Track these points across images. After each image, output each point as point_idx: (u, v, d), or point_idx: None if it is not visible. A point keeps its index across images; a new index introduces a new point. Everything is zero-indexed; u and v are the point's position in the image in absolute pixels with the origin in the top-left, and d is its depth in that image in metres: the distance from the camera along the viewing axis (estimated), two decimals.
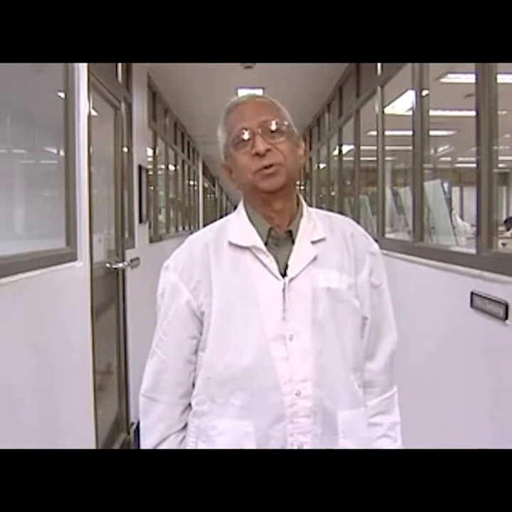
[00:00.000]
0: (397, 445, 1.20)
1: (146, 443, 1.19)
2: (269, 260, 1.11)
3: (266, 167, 1.08)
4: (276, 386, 1.08)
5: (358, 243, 1.18)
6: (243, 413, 1.10)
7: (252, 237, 1.13)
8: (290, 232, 1.15)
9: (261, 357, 1.08)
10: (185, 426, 1.19)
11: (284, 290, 1.10)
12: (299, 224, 1.15)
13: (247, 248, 1.12)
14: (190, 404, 1.18)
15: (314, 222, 1.17)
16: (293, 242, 1.14)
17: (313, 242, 1.14)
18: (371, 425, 1.18)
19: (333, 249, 1.15)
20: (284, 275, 1.11)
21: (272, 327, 1.09)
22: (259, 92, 4.67)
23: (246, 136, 1.09)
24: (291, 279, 1.10)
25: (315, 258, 1.13)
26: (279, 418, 1.08)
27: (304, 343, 1.09)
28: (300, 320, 1.10)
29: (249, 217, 1.16)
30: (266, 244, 1.13)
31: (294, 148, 1.14)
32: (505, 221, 7.09)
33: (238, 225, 1.16)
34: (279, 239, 1.14)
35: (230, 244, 1.14)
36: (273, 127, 1.10)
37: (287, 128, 1.12)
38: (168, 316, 1.16)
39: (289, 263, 1.12)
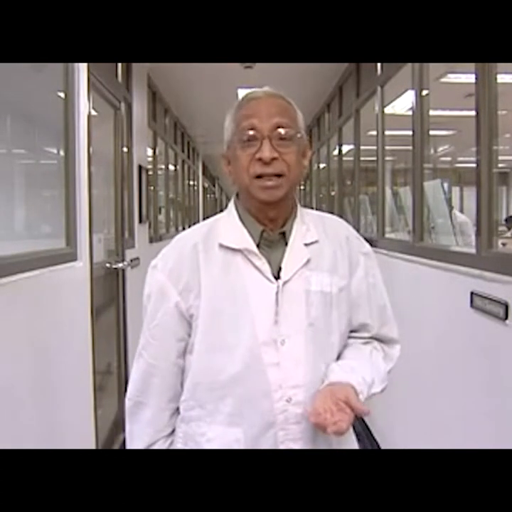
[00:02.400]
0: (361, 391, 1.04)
1: (135, 448, 1.15)
2: (262, 263, 1.08)
3: (268, 176, 1.04)
4: (267, 392, 1.05)
5: (352, 246, 1.16)
6: (233, 420, 1.07)
7: (244, 239, 1.10)
8: (283, 233, 1.12)
9: (252, 362, 1.05)
10: (173, 431, 1.16)
11: (277, 293, 1.07)
12: (292, 226, 1.12)
13: (239, 250, 1.09)
14: (178, 409, 1.15)
15: (307, 225, 1.14)
16: (286, 244, 1.11)
17: (306, 245, 1.11)
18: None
19: (326, 252, 1.13)
20: (276, 278, 1.08)
21: (263, 331, 1.06)
22: None
23: (254, 136, 1.05)
24: (285, 282, 1.07)
25: (308, 261, 1.10)
26: (269, 425, 1.06)
27: (296, 348, 1.06)
28: (292, 324, 1.07)
29: (241, 218, 1.12)
30: (258, 245, 1.10)
31: (300, 159, 1.09)
32: (506, 220, 7.06)
33: (229, 226, 1.12)
34: (272, 241, 1.11)
35: (221, 246, 1.10)
36: (284, 134, 1.05)
37: (298, 136, 1.08)
38: (156, 318, 1.12)
39: (282, 266, 1.09)
